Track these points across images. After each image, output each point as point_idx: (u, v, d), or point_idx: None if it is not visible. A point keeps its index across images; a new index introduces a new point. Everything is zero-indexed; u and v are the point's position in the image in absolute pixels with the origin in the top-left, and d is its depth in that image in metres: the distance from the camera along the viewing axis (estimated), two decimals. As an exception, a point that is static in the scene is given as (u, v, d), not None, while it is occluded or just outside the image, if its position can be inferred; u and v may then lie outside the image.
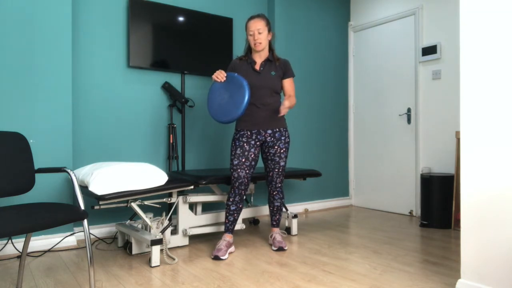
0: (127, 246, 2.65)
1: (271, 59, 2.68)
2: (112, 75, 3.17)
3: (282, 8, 4.05)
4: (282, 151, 2.68)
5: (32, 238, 2.68)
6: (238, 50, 3.84)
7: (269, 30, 2.65)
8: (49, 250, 2.68)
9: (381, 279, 2.13)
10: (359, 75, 4.54)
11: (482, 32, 1.81)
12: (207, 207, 3.61)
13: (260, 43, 2.60)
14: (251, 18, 2.62)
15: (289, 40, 4.10)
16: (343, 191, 4.59)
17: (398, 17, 4.07)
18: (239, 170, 2.59)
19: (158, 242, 2.34)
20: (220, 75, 2.54)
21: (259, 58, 2.69)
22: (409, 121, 3.98)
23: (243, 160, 2.60)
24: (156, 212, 3.35)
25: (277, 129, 2.68)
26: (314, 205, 4.29)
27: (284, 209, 3.59)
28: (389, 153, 4.19)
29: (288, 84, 2.72)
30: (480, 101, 1.81)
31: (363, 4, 4.48)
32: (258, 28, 2.59)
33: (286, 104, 2.51)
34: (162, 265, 2.37)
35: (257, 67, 2.67)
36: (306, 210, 4.20)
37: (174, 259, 2.48)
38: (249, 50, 2.74)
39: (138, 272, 2.24)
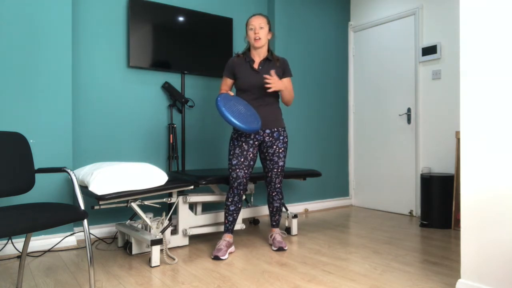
0: (127, 246, 2.65)
1: (270, 59, 2.67)
2: (112, 75, 3.17)
3: (282, 8, 4.05)
4: (280, 151, 2.67)
5: (32, 238, 2.68)
6: (238, 50, 3.84)
7: (269, 29, 2.65)
8: (49, 250, 2.68)
9: (381, 279, 2.13)
10: (359, 75, 4.54)
11: (482, 32, 1.81)
12: (207, 207, 3.61)
13: (260, 38, 2.58)
14: (253, 15, 2.63)
15: (289, 40, 4.10)
16: (343, 191, 4.59)
17: (398, 17, 4.07)
18: (237, 170, 2.58)
19: (158, 242, 2.34)
20: None
21: (258, 57, 2.67)
22: (409, 121, 3.98)
23: (242, 159, 2.59)
24: (156, 212, 3.35)
25: (276, 129, 2.67)
26: (314, 205, 4.29)
27: (284, 209, 3.59)
28: (389, 153, 4.19)
29: (286, 83, 2.71)
30: (480, 101, 1.81)
31: (363, 4, 4.48)
32: (260, 23, 2.58)
33: (277, 81, 2.52)
34: (162, 265, 2.37)
35: (256, 65, 2.65)
36: (306, 210, 4.20)
37: (174, 259, 2.48)
38: (247, 49, 2.72)
39: (138, 272, 2.24)
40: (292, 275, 2.19)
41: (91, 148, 3.08)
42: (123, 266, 2.35)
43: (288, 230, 3.19)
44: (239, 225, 2.95)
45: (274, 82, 2.51)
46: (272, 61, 2.67)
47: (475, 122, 1.82)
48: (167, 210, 3.36)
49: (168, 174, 3.03)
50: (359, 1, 4.54)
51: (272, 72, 2.54)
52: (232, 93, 2.54)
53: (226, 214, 2.63)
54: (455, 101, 3.61)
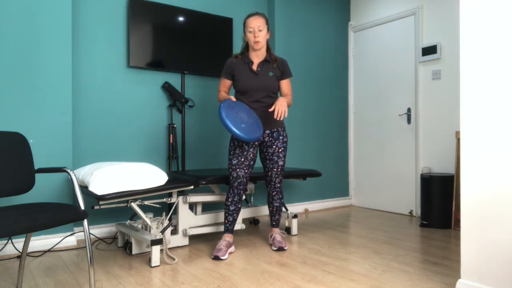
0: (127, 246, 2.65)
1: (269, 60, 2.65)
2: (112, 75, 3.17)
3: (282, 8, 4.05)
4: (280, 150, 2.68)
5: (32, 238, 2.68)
6: (237, 50, 3.84)
7: (267, 29, 2.63)
8: (49, 250, 2.68)
9: (381, 279, 2.13)
10: (359, 75, 4.54)
11: (482, 32, 1.81)
12: (207, 207, 3.61)
13: (259, 41, 2.56)
14: (251, 15, 2.59)
15: (289, 40, 4.10)
16: (343, 191, 4.59)
17: (398, 17, 4.07)
18: (238, 170, 2.58)
19: (158, 242, 2.34)
20: None
21: (257, 58, 2.65)
22: (409, 121, 3.98)
23: (242, 159, 2.59)
24: (156, 212, 3.35)
25: (275, 129, 2.67)
26: (314, 205, 4.29)
27: (284, 209, 3.59)
28: (389, 153, 4.19)
29: (285, 84, 2.71)
30: (480, 101, 1.81)
31: (363, 4, 4.48)
32: (259, 25, 2.54)
33: (282, 104, 2.48)
34: (162, 265, 2.37)
35: (255, 67, 2.64)
36: (306, 210, 4.20)
37: (174, 259, 2.48)
38: (245, 49, 2.70)
39: (138, 272, 2.24)
40: (292, 275, 2.19)
41: (91, 148, 3.08)
42: (123, 266, 2.35)
43: (288, 230, 3.19)
44: (239, 225, 2.95)
45: (280, 109, 2.47)
46: (271, 62, 2.66)
47: (475, 122, 1.82)
48: (167, 210, 3.36)
49: (168, 174, 3.03)
50: (359, 1, 4.54)
51: (272, 108, 2.51)
52: (234, 99, 2.51)
53: (226, 214, 2.63)
54: (455, 101, 3.61)
